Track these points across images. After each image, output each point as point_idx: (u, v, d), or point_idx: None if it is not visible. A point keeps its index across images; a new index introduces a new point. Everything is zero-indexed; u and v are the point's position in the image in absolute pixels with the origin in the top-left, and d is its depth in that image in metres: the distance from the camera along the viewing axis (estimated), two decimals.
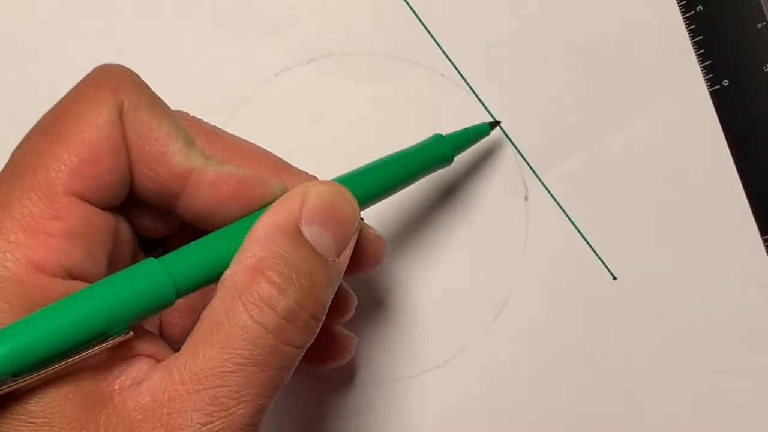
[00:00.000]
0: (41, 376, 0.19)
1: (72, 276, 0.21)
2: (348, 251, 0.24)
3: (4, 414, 0.19)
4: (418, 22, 0.34)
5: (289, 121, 0.33)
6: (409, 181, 0.27)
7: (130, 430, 0.20)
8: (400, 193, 0.32)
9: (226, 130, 0.32)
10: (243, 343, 0.20)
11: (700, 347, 0.32)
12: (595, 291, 0.32)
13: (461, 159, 0.32)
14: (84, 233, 0.21)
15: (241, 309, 0.21)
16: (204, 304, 0.22)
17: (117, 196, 0.23)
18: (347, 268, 0.24)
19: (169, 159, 0.23)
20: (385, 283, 0.32)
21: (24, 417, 0.19)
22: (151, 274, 0.21)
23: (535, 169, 0.32)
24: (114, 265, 0.23)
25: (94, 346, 0.20)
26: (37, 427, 0.19)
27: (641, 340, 0.31)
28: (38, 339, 0.19)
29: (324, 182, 0.24)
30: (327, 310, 0.22)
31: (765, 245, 0.32)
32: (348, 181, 0.25)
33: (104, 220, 0.22)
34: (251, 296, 0.21)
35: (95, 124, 0.22)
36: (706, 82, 0.33)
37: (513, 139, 0.33)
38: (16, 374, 0.19)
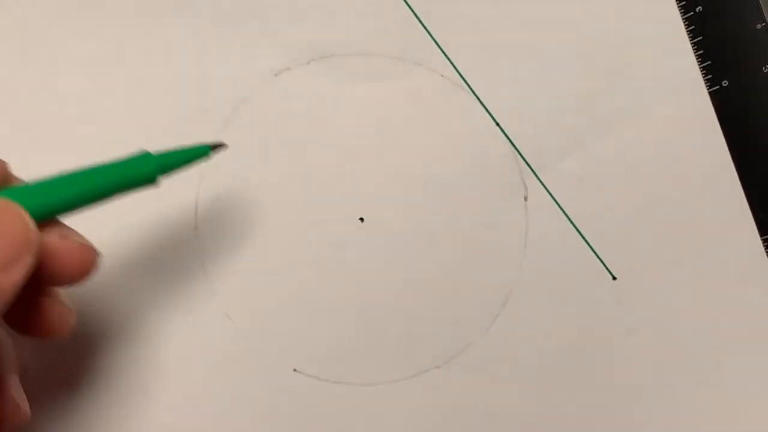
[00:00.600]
0: None
1: None
2: (19, 267, 0.22)
3: None
4: (418, 22, 0.34)
5: (289, 121, 0.33)
6: (103, 197, 0.25)
7: None
8: (398, 193, 0.32)
9: (226, 130, 0.32)
10: None
11: (699, 347, 0.32)
12: (594, 291, 0.32)
13: (461, 159, 0.32)
14: None
15: None
16: None
17: None
18: (49, 280, 0.23)
19: None
20: (385, 283, 0.32)
21: None
22: None
23: (534, 169, 0.33)
24: None
25: None
26: None
27: (641, 340, 0.31)
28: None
29: None
30: None
31: (764, 245, 0.32)
32: (25, 192, 0.24)
33: None
34: None
35: None
36: (706, 83, 0.33)
37: (513, 139, 0.33)
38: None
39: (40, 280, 0.24)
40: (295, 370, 0.31)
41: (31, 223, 0.23)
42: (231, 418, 0.31)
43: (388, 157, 0.32)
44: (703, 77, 0.33)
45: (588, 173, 0.32)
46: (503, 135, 0.33)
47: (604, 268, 0.32)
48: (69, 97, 0.32)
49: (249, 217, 0.32)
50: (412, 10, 0.34)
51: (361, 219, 0.32)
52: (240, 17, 0.34)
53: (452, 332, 0.31)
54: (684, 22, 0.33)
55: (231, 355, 0.31)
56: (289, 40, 0.33)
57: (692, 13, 0.33)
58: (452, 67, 0.33)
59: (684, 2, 0.33)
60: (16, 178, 0.25)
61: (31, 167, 0.25)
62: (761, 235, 0.32)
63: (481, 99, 0.33)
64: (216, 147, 0.28)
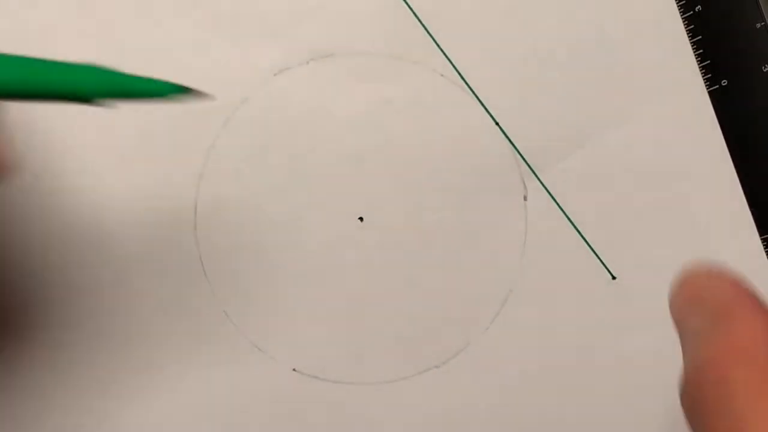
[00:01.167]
0: None
1: None
2: None
3: None
4: (418, 22, 0.34)
5: (289, 121, 0.33)
6: (32, 94, 0.23)
7: None
8: (398, 193, 0.32)
9: (226, 130, 0.32)
10: None
11: None
12: (594, 290, 0.32)
13: (461, 159, 0.32)
14: None
15: None
16: None
17: None
18: None
19: None
20: (384, 283, 0.32)
21: None
22: None
23: (534, 169, 0.33)
24: None
25: None
26: None
27: (640, 340, 0.31)
28: None
29: None
30: None
31: (764, 245, 0.32)
32: None
33: None
34: None
35: None
36: (705, 82, 0.33)
37: (512, 139, 0.33)
38: None
39: None
40: (294, 370, 0.31)
41: None
42: (231, 418, 0.31)
43: (388, 157, 0.32)
44: (703, 77, 0.33)
45: (587, 173, 0.32)
46: (503, 135, 0.33)
47: (603, 267, 0.32)
48: None
49: (248, 217, 0.32)
50: (412, 10, 0.34)
51: (361, 219, 0.32)
52: (240, 17, 0.34)
53: (452, 332, 0.31)
54: (684, 22, 0.33)
55: (230, 355, 0.31)
56: (289, 39, 0.33)
57: (692, 12, 0.33)
58: (452, 67, 0.33)
59: (683, 1, 0.33)
60: None
61: None
62: (761, 234, 0.32)
63: (481, 99, 0.33)
64: (186, 91, 0.24)
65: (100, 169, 0.31)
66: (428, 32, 0.34)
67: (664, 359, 0.31)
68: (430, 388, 0.31)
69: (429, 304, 0.31)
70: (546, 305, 0.32)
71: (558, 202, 0.32)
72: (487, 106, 0.33)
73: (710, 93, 0.33)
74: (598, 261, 0.32)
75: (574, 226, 0.32)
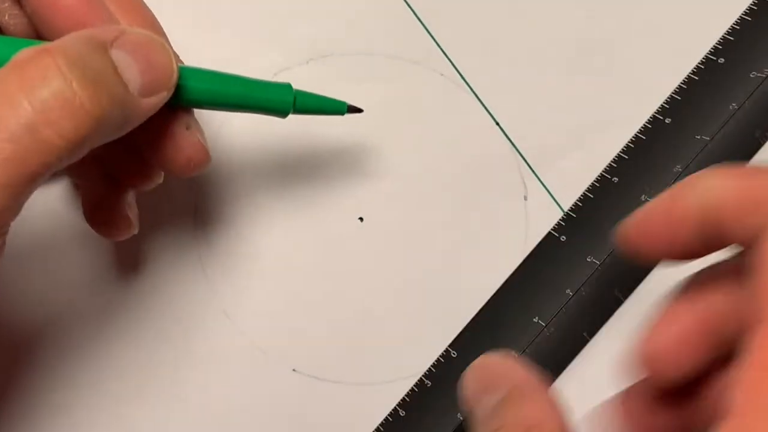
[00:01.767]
0: None
1: None
2: (154, 101, 0.23)
3: None
4: (418, 22, 0.34)
5: (289, 121, 0.33)
6: (236, 105, 0.26)
7: None
8: (398, 193, 0.32)
9: (226, 130, 0.32)
10: (1, 111, 0.20)
11: None
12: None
13: (461, 159, 0.32)
14: None
15: (13, 77, 0.20)
16: None
17: None
18: (160, 160, 0.25)
19: None
20: (384, 283, 0.32)
21: None
22: None
23: (534, 169, 0.32)
24: None
25: None
26: None
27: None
28: None
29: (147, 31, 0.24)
30: (107, 133, 0.22)
31: None
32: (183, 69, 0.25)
33: None
34: (28, 69, 0.20)
35: None
36: None
37: (513, 139, 0.33)
38: None
39: (159, 160, 0.25)
40: (294, 370, 0.31)
41: (176, 66, 0.24)
42: (230, 418, 0.31)
43: (388, 157, 0.33)
44: None
45: (588, 173, 0.32)
46: (503, 135, 0.33)
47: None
48: None
49: (248, 217, 0.32)
50: (412, 10, 0.34)
51: (361, 219, 0.32)
52: (240, 17, 0.34)
53: (452, 331, 0.31)
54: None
55: (230, 355, 0.31)
56: (289, 39, 0.33)
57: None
58: (452, 67, 0.33)
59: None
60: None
61: None
62: None
63: (481, 99, 0.33)
64: (352, 109, 0.28)
65: None
66: (428, 32, 0.34)
67: None
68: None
69: (429, 304, 0.31)
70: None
71: (558, 202, 0.32)
72: (487, 106, 0.33)
73: None
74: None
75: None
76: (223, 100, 0.26)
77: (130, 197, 0.28)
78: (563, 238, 0.31)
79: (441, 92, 0.33)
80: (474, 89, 0.33)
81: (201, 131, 0.26)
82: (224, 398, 0.31)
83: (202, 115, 0.27)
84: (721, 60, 0.32)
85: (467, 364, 0.29)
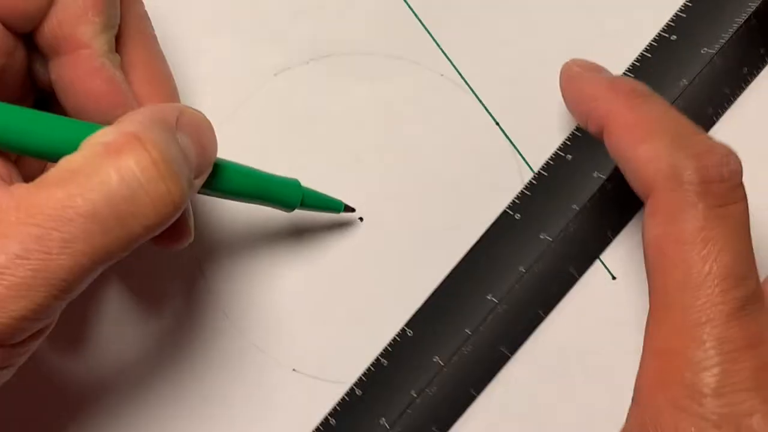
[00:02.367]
0: None
1: None
2: (199, 183, 0.24)
3: None
4: (418, 22, 0.34)
5: (289, 121, 0.33)
6: (245, 196, 0.27)
7: None
8: (398, 193, 0.32)
9: (226, 130, 0.32)
10: (95, 197, 0.20)
11: None
12: (594, 291, 0.32)
13: (461, 158, 0.32)
14: None
15: (109, 166, 0.20)
16: None
17: (25, 24, 0.24)
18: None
19: (78, 24, 0.24)
20: (383, 282, 0.32)
21: None
22: None
23: (534, 168, 0.32)
24: (1, 82, 0.24)
25: None
26: None
27: (640, 339, 0.31)
28: None
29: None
30: (178, 215, 0.22)
31: None
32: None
33: (3, 34, 0.23)
34: (124, 158, 0.20)
35: None
36: None
37: (513, 139, 0.33)
38: None
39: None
40: (294, 370, 0.31)
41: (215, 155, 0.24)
42: (230, 418, 0.31)
43: (388, 157, 0.33)
44: None
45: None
46: (503, 135, 0.33)
47: (603, 267, 0.32)
48: None
49: (247, 217, 0.32)
50: (412, 10, 0.34)
51: (361, 219, 0.32)
52: (240, 17, 0.34)
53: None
54: None
55: (230, 355, 0.31)
56: (289, 39, 0.33)
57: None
58: (452, 67, 0.33)
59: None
60: None
61: None
62: None
63: (481, 99, 0.33)
64: (348, 209, 0.31)
65: None
66: (428, 32, 0.34)
67: None
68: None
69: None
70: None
71: None
72: (487, 106, 0.33)
73: None
74: (599, 261, 0.32)
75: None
76: (226, 190, 0.26)
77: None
78: (518, 216, 0.31)
79: (441, 92, 0.33)
80: (474, 89, 0.33)
81: (190, 212, 0.26)
82: (224, 398, 0.31)
83: None
84: (674, 37, 0.32)
85: (423, 342, 0.30)
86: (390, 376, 0.31)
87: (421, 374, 0.30)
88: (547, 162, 0.32)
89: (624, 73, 0.32)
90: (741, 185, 0.24)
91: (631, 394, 0.25)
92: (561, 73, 0.29)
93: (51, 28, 0.24)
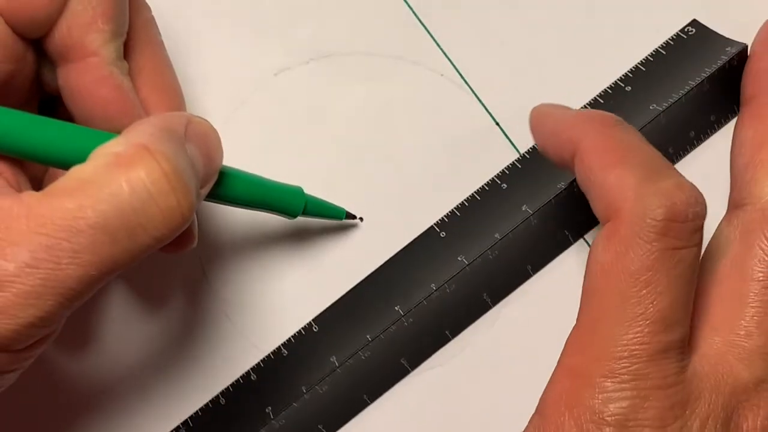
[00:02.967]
0: None
1: None
2: (204, 192, 0.24)
3: None
4: (418, 22, 0.34)
5: (289, 121, 0.33)
6: (249, 203, 0.27)
7: None
8: (398, 193, 0.32)
9: (226, 130, 0.32)
10: (106, 208, 0.20)
11: None
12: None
13: (461, 158, 0.32)
14: None
15: (120, 177, 0.20)
16: None
17: (34, 30, 0.24)
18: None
19: (87, 32, 0.24)
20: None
21: None
22: None
23: None
24: (9, 87, 0.24)
25: None
26: None
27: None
28: None
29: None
30: (186, 226, 0.22)
31: None
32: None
33: (13, 40, 0.23)
34: (134, 170, 0.20)
35: None
36: None
37: (513, 139, 0.33)
38: None
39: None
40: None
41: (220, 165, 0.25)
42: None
43: (388, 157, 0.33)
44: None
45: None
46: (503, 135, 0.33)
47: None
48: None
49: (249, 220, 0.32)
50: (412, 10, 0.34)
51: (361, 219, 0.32)
52: (240, 17, 0.34)
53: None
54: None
55: (232, 356, 0.31)
56: (289, 39, 0.33)
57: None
58: (452, 67, 0.33)
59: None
60: None
61: None
62: None
63: (481, 99, 0.33)
64: (350, 216, 0.31)
65: None
66: (428, 32, 0.34)
67: None
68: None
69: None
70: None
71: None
72: (487, 106, 0.33)
73: None
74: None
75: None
76: (243, 201, 0.27)
77: None
78: (443, 234, 0.31)
79: (441, 92, 0.33)
80: (474, 89, 0.33)
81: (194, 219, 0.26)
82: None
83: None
84: (629, 88, 0.32)
85: (324, 340, 0.30)
86: (286, 367, 0.30)
87: (315, 371, 0.30)
88: (482, 187, 0.32)
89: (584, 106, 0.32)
90: (701, 229, 0.23)
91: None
92: (530, 114, 0.28)
93: (61, 35, 0.24)
